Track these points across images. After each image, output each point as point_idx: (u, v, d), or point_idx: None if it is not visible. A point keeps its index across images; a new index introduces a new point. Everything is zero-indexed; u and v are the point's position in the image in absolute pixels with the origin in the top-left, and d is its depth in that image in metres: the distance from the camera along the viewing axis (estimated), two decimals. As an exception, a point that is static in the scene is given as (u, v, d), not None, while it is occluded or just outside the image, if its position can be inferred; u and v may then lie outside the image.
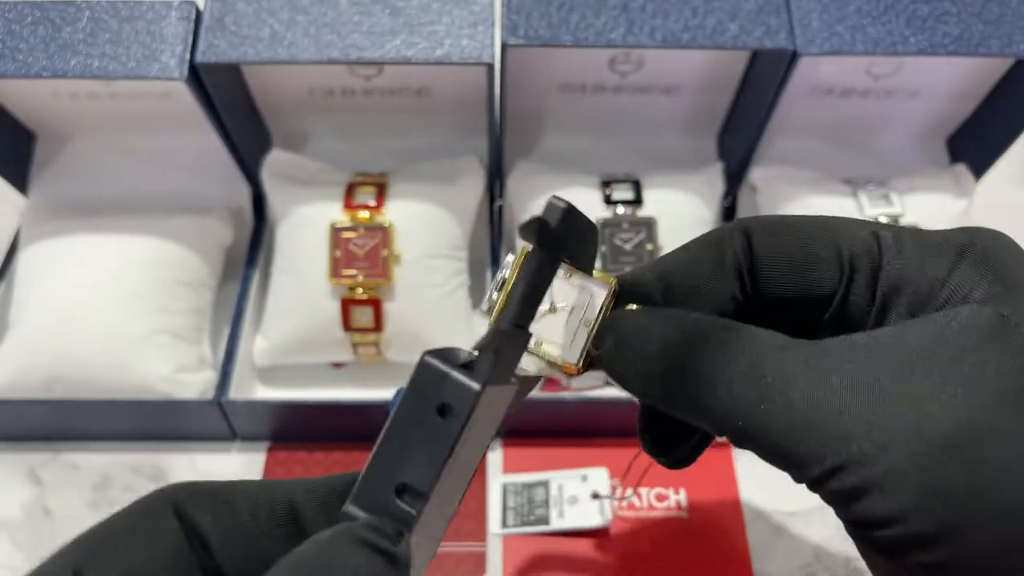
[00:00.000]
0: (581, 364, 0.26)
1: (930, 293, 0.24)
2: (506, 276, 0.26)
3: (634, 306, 0.26)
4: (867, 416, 0.21)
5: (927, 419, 0.20)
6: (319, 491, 0.24)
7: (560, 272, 0.26)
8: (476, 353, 0.23)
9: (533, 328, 0.25)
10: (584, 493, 0.52)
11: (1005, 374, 0.21)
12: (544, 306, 0.26)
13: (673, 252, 0.27)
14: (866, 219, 0.27)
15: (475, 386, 0.21)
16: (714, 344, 0.23)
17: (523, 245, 0.26)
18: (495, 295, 0.26)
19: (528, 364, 0.25)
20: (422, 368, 0.22)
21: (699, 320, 0.24)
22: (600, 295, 0.26)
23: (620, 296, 0.26)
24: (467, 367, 0.22)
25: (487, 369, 0.22)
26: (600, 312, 0.26)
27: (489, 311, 0.26)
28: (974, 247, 0.24)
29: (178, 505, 0.23)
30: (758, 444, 0.23)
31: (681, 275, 0.26)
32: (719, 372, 0.23)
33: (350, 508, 0.22)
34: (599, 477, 0.52)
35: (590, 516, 0.51)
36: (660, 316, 0.25)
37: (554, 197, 0.22)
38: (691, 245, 0.27)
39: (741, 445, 0.23)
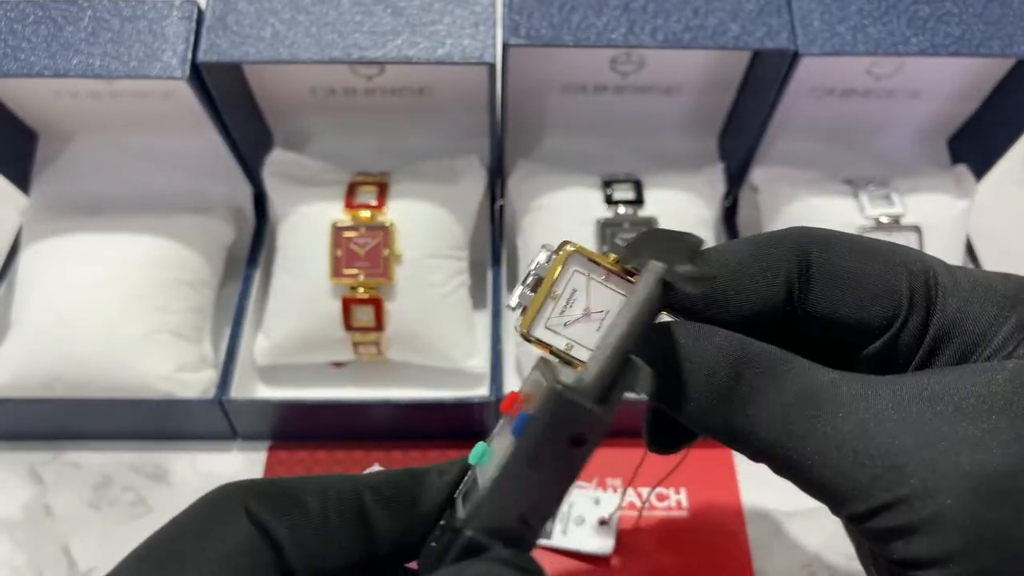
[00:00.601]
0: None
1: (980, 341, 0.24)
2: (542, 275, 0.26)
3: (667, 317, 0.26)
4: (920, 456, 0.21)
5: (979, 464, 0.20)
6: (385, 489, 0.25)
7: (601, 275, 0.26)
8: (577, 369, 0.24)
9: (563, 330, 0.26)
10: (592, 517, 0.51)
11: None
12: (579, 310, 0.26)
13: (721, 249, 0.26)
14: (920, 251, 0.26)
15: (609, 418, 0.22)
16: (762, 372, 0.23)
17: (563, 242, 0.26)
18: (528, 293, 0.26)
19: (549, 368, 0.24)
20: (560, 402, 0.22)
21: (745, 344, 0.23)
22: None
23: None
24: (602, 400, 0.22)
25: (618, 401, 0.22)
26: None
27: (520, 308, 0.26)
28: (1020, 300, 0.24)
29: (249, 506, 0.23)
30: (801, 475, 0.22)
31: (727, 280, 0.25)
32: (766, 402, 0.22)
33: (478, 537, 0.22)
34: (611, 503, 0.52)
35: (592, 542, 0.50)
36: (702, 336, 0.24)
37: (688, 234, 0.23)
38: (742, 247, 0.26)
39: (780, 474, 0.23)
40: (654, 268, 0.23)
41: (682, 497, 0.53)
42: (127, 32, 0.48)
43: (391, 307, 0.55)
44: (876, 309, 0.24)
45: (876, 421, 0.21)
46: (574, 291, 0.26)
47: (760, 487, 0.54)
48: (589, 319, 0.26)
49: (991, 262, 0.61)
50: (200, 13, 0.49)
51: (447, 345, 0.56)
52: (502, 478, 0.22)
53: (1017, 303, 0.24)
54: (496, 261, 0.60)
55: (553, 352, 0.26)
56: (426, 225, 0.56)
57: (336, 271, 0.54)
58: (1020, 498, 0.20)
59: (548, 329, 0.26)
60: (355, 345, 0.56)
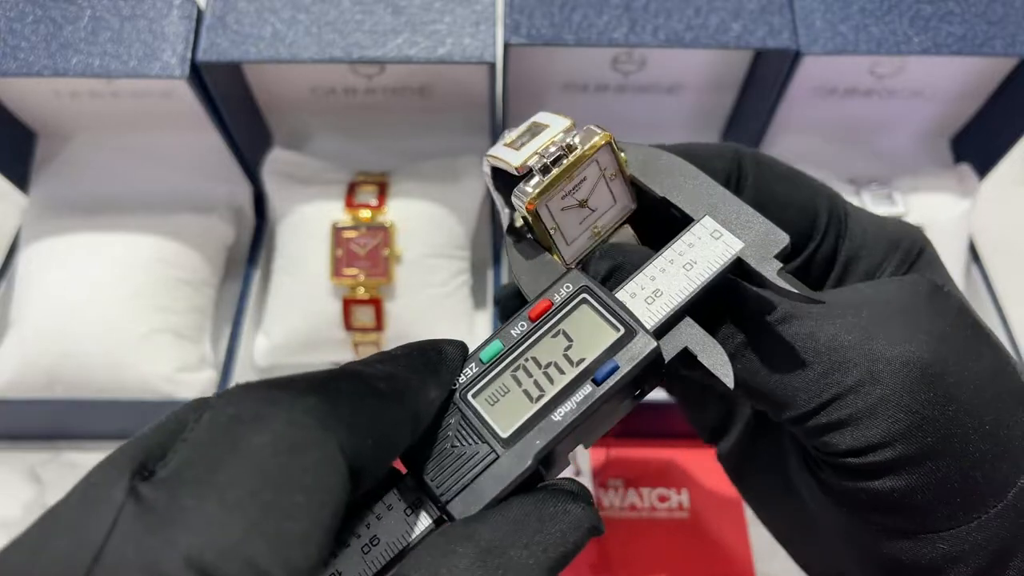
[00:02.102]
0: (573, 265, 0.27)
1: (878, 268, 0.28)
2: (565, 152, 0.25)
3: (631, 233, 0.27)
4: (861, 351, 0.23)
5: (913, 354, 0.23)
6: (399, 376, 0.23)
7: (612, 174, 0.26)
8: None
9: (557, 214, 0.26)
10: None
11: (951, 324, 0.24)
12: (578, 198, 0.26)
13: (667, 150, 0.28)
14: (826, 185, 0.29)
15: (664, 374, 0.24)
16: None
17: (589, 125, 0.26)
18: (547, 162, 0.25)
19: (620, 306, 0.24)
20: (655, 361, 0.23)
21: None
22: (615, 212, 0.27)
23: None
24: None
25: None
26: (609, 230, 0.27)
27: (527, 173, 0.25)
28: (906, 236, 0.28)
29: (345, 448, 0.19)
30: (751, 383, 0.24)
31: None
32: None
33: (535, 465, 0.22)
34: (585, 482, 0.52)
35: None
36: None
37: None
38: (680, 152, 0.27)
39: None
40: (735, 245, 0.24)
41: (684, 498, 0.53)
42: (127, 31, 0.48)
43: (391, 307, 0.55)
44: (798, 226, 0.27)
45: (818, 326, 0.24)
46: (584, 179, 0.26)
47: (762, 488, 0.54)
48: (580, 211, 0.26)
49: (993, 261, 0.61)
50: (200, 12, 0.49)
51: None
52: (578, 420, 0.22)
53: (902, 240, 0.28)
54: (496, 261, 0.60)
55: (539, 231, 0.26)
56: (426, 225, 0.56)
57: (336, 271, 0.54)
58: (948, 381, 0.23)
59: (547, 207, 0.25)
60: (355, 345, 0.56)
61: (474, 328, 0.58)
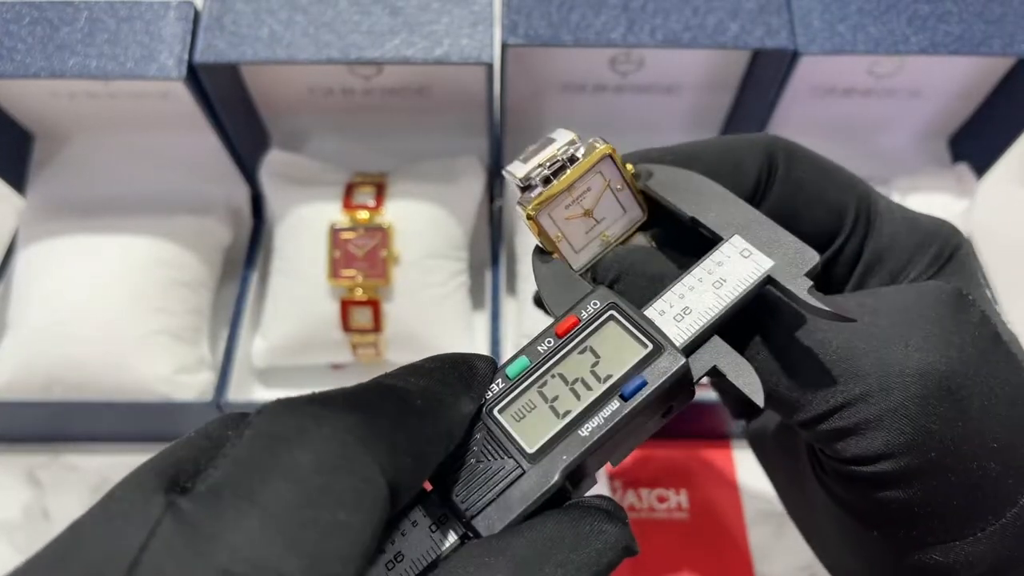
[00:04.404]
0: (583, 273, 0.27)
1: (905, 267, 0.27)
2: (567, 163, 0.26)
3: (645, 241, 0.27)
4: (874, 359, 0.23)
5: (928, 365, 0.23)
6: (433, 391, 0.22)
7: (617, 185, 0.27)
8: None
9: (560, 222, 0.26)
10: None
11: (969, 337, 0.24)
12: (582, 208, 0.27)
13: (694, 145, 0.28)
14: (858, 176, 0.29)
15: (695, 392, 0.23)
16: None
17: (592, 138, 0.27)
18: (546, 173, 0.26)
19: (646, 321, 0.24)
20: (684, 375, 0.23)
21: None
22: (625, 222, 0.27)
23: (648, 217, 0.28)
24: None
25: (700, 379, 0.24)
26: (619, 239, 0.27)
27: (527, 184, 0.26)
28: (938, 235, 0.27)
29: (385, 466, 0.19)
30: (765, 385, 0.24)
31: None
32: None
33: (562, 481, 0.22)
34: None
35: None
36: (667, 266, 0.26)
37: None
38: (714, 145, 0.27)
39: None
40: (765, 264, 0.24)
41: (683, 499, 0.53)
42: (124, 33, 0.48)
43: (389, 308, 0.55)
44: (826, 223, 0.27)
45: (833, 331, 0.24)
46: (588, 189, 0.26)
47: (762, 488, 0.54)
48: (586, 220, 0.27)
49: (992, 261, 0.61)
50: (197, 13, 0.49)
51: (446, 346, 0.56)
52: (605, 436, 0.22)
53: (937, 238, 0.27)
54: (495, 261, 0.60)
55: (543, 239, 0.26)
56: (425, 225, 0.56)
57: (334, 272, 0.54)
58: (961, 395, 0.23)
59: (549, 216, 0.26)
60: (354, 347, 0.56)
61: (473, 329, 0.58)
